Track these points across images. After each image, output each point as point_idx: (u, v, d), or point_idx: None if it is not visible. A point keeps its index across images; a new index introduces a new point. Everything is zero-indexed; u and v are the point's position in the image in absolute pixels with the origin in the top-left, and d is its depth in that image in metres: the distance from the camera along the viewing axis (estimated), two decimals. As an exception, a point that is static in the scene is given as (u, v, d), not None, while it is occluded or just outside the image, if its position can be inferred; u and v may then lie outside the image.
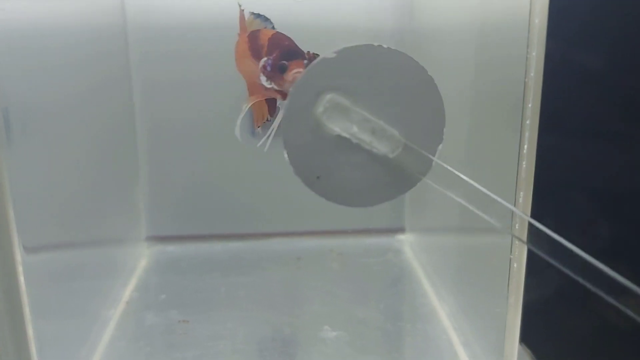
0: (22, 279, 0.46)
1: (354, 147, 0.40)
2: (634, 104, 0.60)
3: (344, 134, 0.39)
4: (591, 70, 0.61)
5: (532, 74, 0.43)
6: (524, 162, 0.44)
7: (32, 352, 0.48)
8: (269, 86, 0.43)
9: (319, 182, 0.41)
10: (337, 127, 0.39)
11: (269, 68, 0.43)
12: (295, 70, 0.42)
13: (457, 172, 0.39)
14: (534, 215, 0.66)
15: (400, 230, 0.90)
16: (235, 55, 0.46)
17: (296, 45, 0.44)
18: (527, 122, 0.43)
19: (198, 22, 0.78)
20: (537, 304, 0.69)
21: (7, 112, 0.45)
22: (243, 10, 0.45)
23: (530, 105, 0.43)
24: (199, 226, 0.90)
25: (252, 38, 0.44)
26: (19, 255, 0.46)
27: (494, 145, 0.52)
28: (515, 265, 0.48)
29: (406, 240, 0.89)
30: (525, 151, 0.44)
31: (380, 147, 0.39)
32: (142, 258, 0.84)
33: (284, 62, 0.42)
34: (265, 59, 0.43)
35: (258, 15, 0.46)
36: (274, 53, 0.43)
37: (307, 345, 0.63)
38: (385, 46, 0.39)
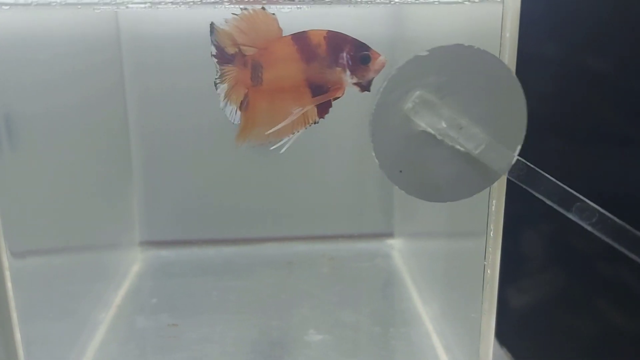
0: (9, 284, 0.47)
1: (437, 143, 0.41)
2: (613, 108, 0.61)
3: (430, 130, 0.40)
4: (569, 75, 0.63)
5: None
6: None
7: (19, 355, 0.49)
8: (351, 80, 0.44)
9: (401, 176, 0.42)
10: (423, 122, 0.40)
11: (350, 62, 0.43)
12: (381, 57, 0.43)
13: (539, 170, 0.40)
14: (529, 219, 0.67)
15: (390, 235, 0.91)
16: (267, 63, 0.45)
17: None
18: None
19: (192, 32, 0.79)
20: (518, 308, 0.70)
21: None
22: (274, 14, 0.44)
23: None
24: (193, 231, 0.91)
25: (300, 40, 0.43)
26: (5, 260, 0.47)
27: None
28: (489, 271, 0.49)
29: (395, 245, 0.90)
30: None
31: (466, 144, 0.40)
32: (135, 263, 0.86)
33: (366, 52, 0.43)
34: (343, 54, 0.43)
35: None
36: (344, 49, 0.43)
37: (293, 348, 0.64)
38: (475, 47, 0.40)
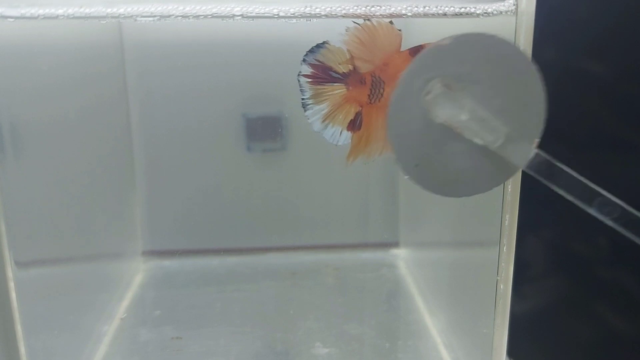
0: (13, 295, 0.47)
1: (454, 136, 0.39)
2: (613, 114, 0.61)
3: (449, 122, 0.39)
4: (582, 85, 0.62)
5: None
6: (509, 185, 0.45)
7: (24, 368, 0.49)
8: None
9: (416, 170, 0.40)
10: (443, 114, 0.38)
11: None
12: None
13: (559, 164, 0.38)
14: (530, 226, 0.66)
15: (395, 244, 0.90)
16: (387, 79, 0.45)
17: None
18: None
19: (194, 39, 0.79)
20: (523, 316, 0.69)
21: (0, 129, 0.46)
22: (400, 30, 0.43)
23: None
24: (196, 241, 0.90)
25: (417, 53, 0.42)
26: (10, 270, 0.46)
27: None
28: (502, 286, 0.48)
29: (400, 255, 0.89)
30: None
31: (485, 137, 0.38)
32: (138, 273, 0.85)
33: None
34: None
35: None
36: None
37: (299, 362, 0.64)
38: (498, 36, 0.38)
